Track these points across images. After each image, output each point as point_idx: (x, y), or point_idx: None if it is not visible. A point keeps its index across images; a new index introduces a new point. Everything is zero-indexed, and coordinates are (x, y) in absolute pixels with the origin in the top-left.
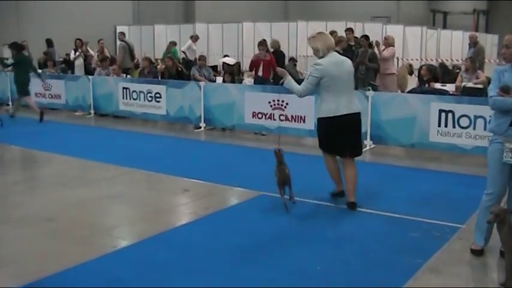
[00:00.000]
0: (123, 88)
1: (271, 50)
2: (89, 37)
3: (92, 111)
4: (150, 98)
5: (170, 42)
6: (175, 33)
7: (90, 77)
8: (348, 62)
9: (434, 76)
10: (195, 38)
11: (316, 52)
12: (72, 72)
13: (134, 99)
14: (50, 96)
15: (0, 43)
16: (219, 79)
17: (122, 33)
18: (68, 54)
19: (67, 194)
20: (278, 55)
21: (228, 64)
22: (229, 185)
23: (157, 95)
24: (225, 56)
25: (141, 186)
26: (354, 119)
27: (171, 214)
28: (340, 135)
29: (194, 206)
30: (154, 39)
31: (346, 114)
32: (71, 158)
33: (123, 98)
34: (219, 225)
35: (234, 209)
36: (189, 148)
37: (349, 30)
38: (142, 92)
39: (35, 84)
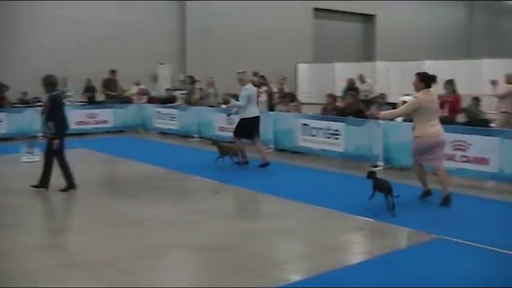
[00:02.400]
0: (303, 124)
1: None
2: (271, 74)
3: (272, 146)
4: (328, 135)
5: (349, 79)
6: (355, 71)
7: (271, 112)
8: None
9: None
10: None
11: None
12: None
13: (313, 135)
14: (232, 130)
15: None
16: (399, 118)
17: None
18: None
19: (242, 225)
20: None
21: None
22: (405, 227)
23: (336, 132)
24: (405, 94)
25: (315, 223)
26: None
27: (345, 252)
28: None
29: (368, 245)
30: (334, 77)
31: None
32: (247, 190)
33: (302, 134)
34: (393, 267)
35: (409, 251)
36: (365, 187)
37: None
38: (321, 128)
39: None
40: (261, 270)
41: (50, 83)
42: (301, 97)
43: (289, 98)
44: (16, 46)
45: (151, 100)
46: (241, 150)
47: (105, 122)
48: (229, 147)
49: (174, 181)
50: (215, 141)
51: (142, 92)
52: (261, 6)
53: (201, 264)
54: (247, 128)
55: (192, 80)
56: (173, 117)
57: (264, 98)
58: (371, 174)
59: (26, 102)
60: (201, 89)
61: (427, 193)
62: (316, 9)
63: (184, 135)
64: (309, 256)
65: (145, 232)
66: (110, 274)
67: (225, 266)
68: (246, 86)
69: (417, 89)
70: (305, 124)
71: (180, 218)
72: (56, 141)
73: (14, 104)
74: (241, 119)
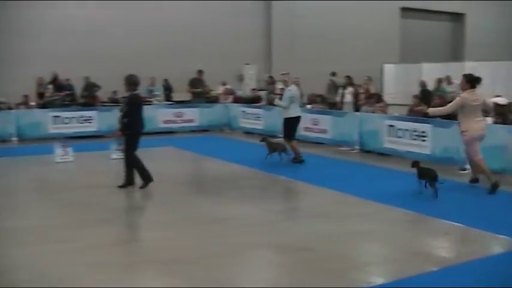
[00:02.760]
0: (389, 125)
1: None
2: (356, 74)
3: (357, 147)
4: (415, 137)
5: (439, 80)
6: (443, 71)
7: (357, 113)
8: None
9: None
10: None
11: None
12: None
13: (399, 137)
14: (317, 130)
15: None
16: (488, 119)
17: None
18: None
19: (325, 226)
20: None
21: (499, 104)
22: (493, 233)
23: (423, 134)
24: (496, 96)
25: (399, 225)
26: None
27: (429, 257)
28: None
29: (454, 250)
30: (421, 77)
31: None
32: (330, 191)
33: (388, 136)
34: (479, 274)
35: (497, 258)
36: (451, 190)
37: None
38: (407, 130)
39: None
40: (342, 272)
41: (131, 82)
42: (387, 98)
43: (375, 98)
44: (111, 48)
45: (237, 100)
46: (294, 149)
47: (191, 121)
48: (277, 144)
49: (258, 180)
50: (264, 138)
51: (228, 92)
52: (347, 6)
53: (282, 265)
54: (290, 127)
55: (272, 80)
56: (258, 117)
57: (349, 98)
58: (415, 164)
59: (115, 101)
60: (282, 89)
61: (475, 180)
62: (404, 9)
63: (269, 135)
64: (392, 259)
65: (229, 231)
66: (192, 271)
67: (306, 267)
68: (289, 87)
69: (463, 89)
70: (391, 125)
71: (263, 217)
72: (118, 133)
73: (105, 102)
74: (285, 119)
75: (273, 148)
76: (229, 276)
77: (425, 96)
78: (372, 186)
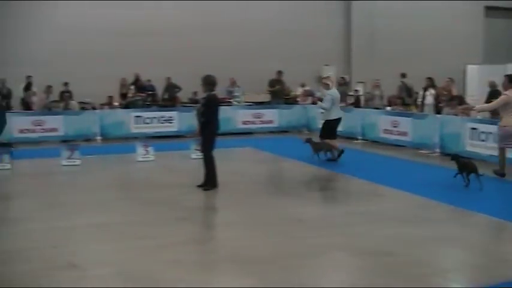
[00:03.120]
0: (471, 128)
1: None
2: (438, 76)
3: (437, 151)
4: None
5: (490, 81)
6: None
7: (438, 116)
8: None
9: None
10: None
11: None
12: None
13: (482, 140)
14: (397, 133)
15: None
16: None
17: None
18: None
19: (405, 230)
20: None
21: None
22: None
23: None
24: None
25: (481, 231)
26: None
27: None
28: None
29: None
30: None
31: None
32: (409, 194)
33: (471, 139)
34: None
35: None
36: None
37: None
38: (491, 133)
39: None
40: (422, 277)
41: (209, 82)
42: (470, 100)
43: (457, 100)
44: (191, 49)
45: (316, 101)
46: (334, 148)
47: (270, 122)
48: (322, 144)
49: (337, 182)
50: (309, 139)
51: (307, 93)
52: (428, 6)
53: (360, 268)
54: (331, 129)
55: (344, 82)
56: None
57: (430, 100)
58: (455, 157)
59: (195, 102)
60: (356, 90)
61: (501, 175)
62: (488, 8)
63: (349, 137)
64: (475, 266)
65: (306, 232)
66: (269, 271)
67: (384, 271)
68: (330, 90)
69: (505, 89)
70: (474, 128)
71: (342, 219)
72: (197, 133)
73: (185, 103)
74: (326, 121)
75: (318, 148)
76: (306, 278)
77: (493, 97)
78: (453, 190)
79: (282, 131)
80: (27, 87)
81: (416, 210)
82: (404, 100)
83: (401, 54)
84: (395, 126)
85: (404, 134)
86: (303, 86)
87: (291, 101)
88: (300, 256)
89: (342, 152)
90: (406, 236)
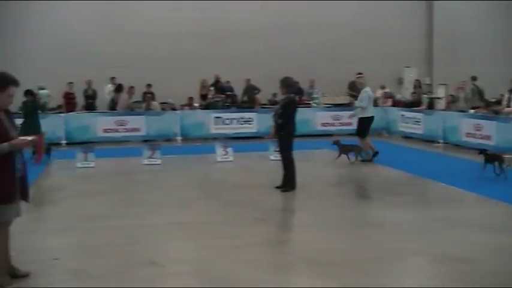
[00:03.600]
0: None
1: None
2: None
3: None
4: None
5: None
6: None
7: None
8: None
9: None
10: None
11: None
12: None
13: None
14: (480, 136)
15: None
16: None
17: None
18: None
19: (486, 237)
20: None
21: None
22: None
23: None
24: None
25: None
26: None
27: None
28: None
29: None
30: None
31: None
32: (494, 201)
33: None
34: None
35: None
36: None
37: None
38: None
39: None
40: (499, 285)
41: (287, 84)
42: None
43: None
44: (271, 50)
45: (396, 103)
46: (369, 145)
47: (348, 124)
48: (352, 146)
49: (417, 186)
50: (336, 141)
51: (388, 95)
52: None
53: (438, 275)
54: (365, 126)
55: (419, 84)
56: (418, 121)
57: None
58: (482, 152)
59: (274, 104)
60: (429, 92)
61: None
62: None
63: (428, 140)
64: None
65: (384, 236)
66: (345, 274)
67: (462, 279)
68: (365, 89)
69: None
70: None
71: (421, 224)
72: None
73: (264, 105)
74: (361, 118)
75: (345, 150)
76: (383, 283)
77: None
78: None
79: None
80: (118, 88)
81: (500, 217)
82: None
83: (486, 55)
84: (478, 130)
85: (487, 137)
86: (382, 88)
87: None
88: (377, 260)
89: (377, 153)
90: (488, 244)
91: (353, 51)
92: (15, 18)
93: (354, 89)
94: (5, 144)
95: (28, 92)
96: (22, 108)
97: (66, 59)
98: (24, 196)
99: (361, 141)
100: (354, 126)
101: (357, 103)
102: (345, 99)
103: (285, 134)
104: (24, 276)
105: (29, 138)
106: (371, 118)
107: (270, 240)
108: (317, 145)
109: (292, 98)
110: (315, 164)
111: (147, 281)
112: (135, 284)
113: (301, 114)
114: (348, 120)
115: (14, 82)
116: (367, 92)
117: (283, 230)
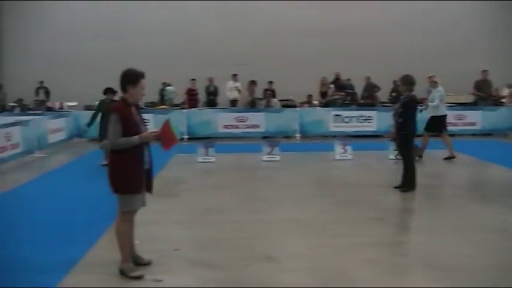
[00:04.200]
0: None
1: None
2: None
3: None
4: None
5: None
6: None
7: None
8: None
9: None
10: None
11: None
12: None
13: None
14: None
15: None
16: None
17: None
18: None
19: None
20: None
21: None
22: None
23: None
24: None
25: None
26: None
27: None
28: None
29: None
30: None
31: None
32: None
33: None
34: None
35: None
36: None
37: None
38: None
39: None
40: None
41: (408, 82)
42: None
43: None
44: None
45: None
46: (424, 144)
47: (473, 124)
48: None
49: None
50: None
51: None
52: None
53: None
54: (438, 125)
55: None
56: None
57: None
58: None
59: (395, 102)
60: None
61: None
62: None
63: None
64: None
65: (509, 242)
66: (464, 280)
67: None
68: (438, 88)
69: None
70: None
71: None
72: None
73: (384, 103)
74: (433, 117)
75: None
76: None
77: None
78: None
79: (486, 133)
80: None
81: None
82: None
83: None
84: None
85: None
86: (509, 86)
87: (497, 102)
88: (499, 267)
89: (420, 157)
90: None
91: (477, 48)
92: (142, 19)
93: (481, 89)
94: (136, 137)
95: (108, 90)
96: (99, 107)
97: (189, 58)
98: (149, 188)
99: (443, 137)
100: (478, 127)
101: (430, 103)
102: (468, 98)
103: (406, 133)
104: (146, 264)
105: (156, 130)
106: (443, 117)
107: (386, 241)
108: (436, 145)
109: (412, 96)
110: (435, 164)
111: (264, 276)
112: (252, 277)
113: (421, 113)
114: (472, 120)
115: (142, 75)
116: (440, 91)
117: (401, 230)
